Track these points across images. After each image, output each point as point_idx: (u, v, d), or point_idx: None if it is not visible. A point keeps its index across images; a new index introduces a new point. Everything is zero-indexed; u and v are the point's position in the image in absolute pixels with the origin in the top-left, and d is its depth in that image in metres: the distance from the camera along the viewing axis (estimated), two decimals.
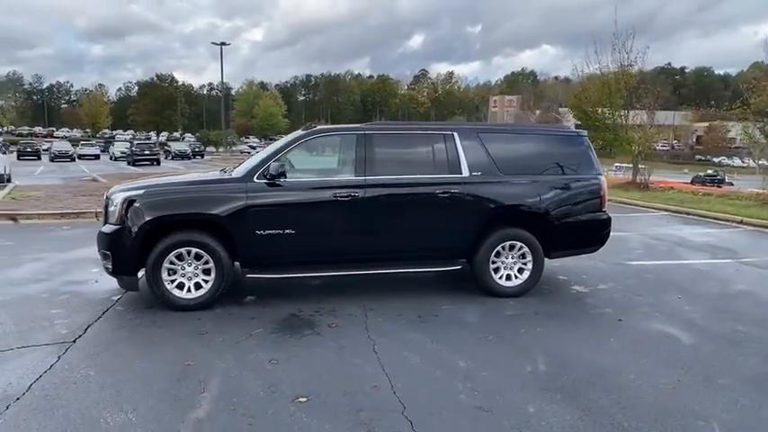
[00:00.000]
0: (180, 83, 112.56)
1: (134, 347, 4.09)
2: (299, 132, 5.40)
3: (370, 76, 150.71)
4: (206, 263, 4.87)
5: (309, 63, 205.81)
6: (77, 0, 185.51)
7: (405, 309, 5.02)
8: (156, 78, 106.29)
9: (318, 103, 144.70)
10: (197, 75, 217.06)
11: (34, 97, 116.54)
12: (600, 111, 17.98)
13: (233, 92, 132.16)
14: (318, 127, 5.39)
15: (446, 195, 5.23)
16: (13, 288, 5.55)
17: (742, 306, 5.41)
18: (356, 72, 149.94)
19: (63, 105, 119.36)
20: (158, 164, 33.19)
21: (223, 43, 39.61)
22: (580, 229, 5.74)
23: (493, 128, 6.03)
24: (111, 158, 40.28)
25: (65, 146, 40.46)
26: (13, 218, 9.85)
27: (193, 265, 4.88)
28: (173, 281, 4.85)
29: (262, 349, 4.06)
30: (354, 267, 5.25)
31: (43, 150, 41.34)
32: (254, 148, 72.35)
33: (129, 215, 4.75)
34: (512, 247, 5.49)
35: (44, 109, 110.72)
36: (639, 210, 13.52)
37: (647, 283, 6.17)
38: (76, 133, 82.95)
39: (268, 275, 5.09)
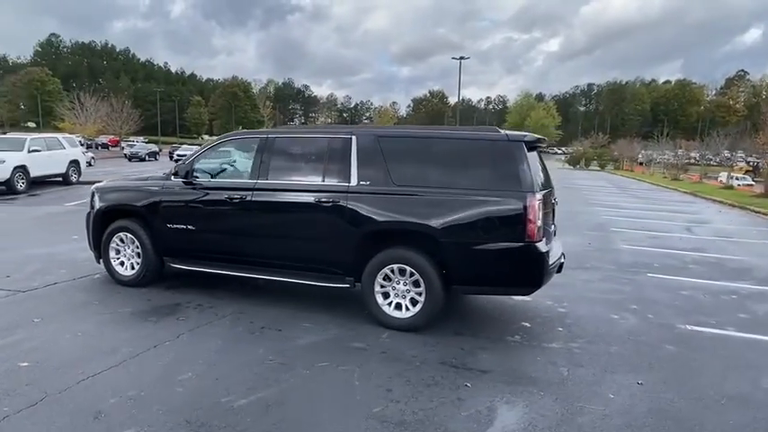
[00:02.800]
0: (447, 98, 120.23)
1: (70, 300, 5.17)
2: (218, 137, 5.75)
3: (667, 82, 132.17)
4: (137, 248, 5.69)
5: (607, 70, 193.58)
6: (395, 30, 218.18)
7: (269, 319, 4.83)
8: (428, 95, 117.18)
9: (600, 113, 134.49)
10: (489, 89, 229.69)
11: (344, 115, 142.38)
12: None
13: (509, 104, 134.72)
14: (235, 131, 5.60)
15: (328, 205, 4.77)
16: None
17: None
18: (648, 79, 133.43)
19: (365, 120, 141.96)
20: None
21: (462, 57, 41.16)
22: (490, 260, 4.40)
23: (396, 132, 5.01)
24: None
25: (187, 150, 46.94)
26: None
27: (130, 248, 5.76)
28: (119, 260, 5.83)
29: (106, 323, 4.62)
30: (251, 270, 5.26)
31: None
32: None
33: (93, 204, 5.94)
34: (402, 272, 4.62)
35: (348, 124, 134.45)
36: None
37: None
38: None
39: (183, 267, 5.58)
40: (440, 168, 4.59)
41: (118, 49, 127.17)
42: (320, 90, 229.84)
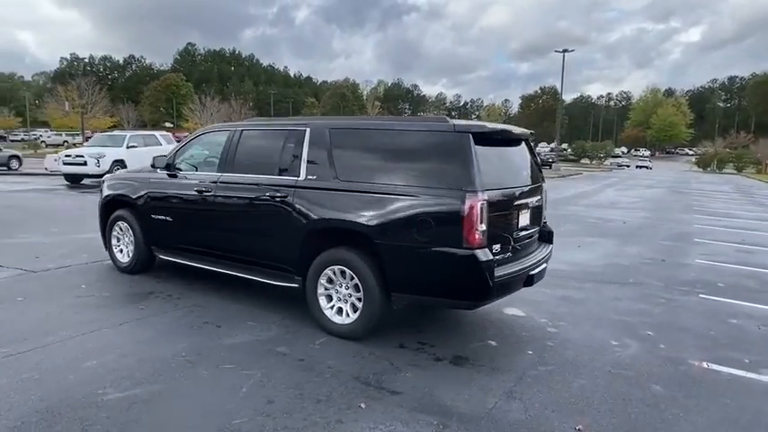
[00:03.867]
0: (557, 94, 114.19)
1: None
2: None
3: None
4: (131, 237, 5.93)
5: (757, 62, 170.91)
6: (515, 26, 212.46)
7: (219, 314, 4.74)
8: (539, 91, 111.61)
9: (743, 109, 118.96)
10: (615, 84, 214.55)
11: (453, 113, 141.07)
12: None
13: (632, 100, 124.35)
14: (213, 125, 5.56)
15: (277, 200, 4.54)
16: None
17: None
18: None
19: (473, 118, 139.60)
20: None
21: (565, 50, 38.38)
22: (426, 266, 3.85)
23: (346, 124, 4.53)
24: None
25: None
26: None
27: (127, 237, 6.02)
28: (118, 247, 6.14)
29: (74, 306, 4.85)
30: (216, 264, 5.18)
31: None
32: (618, 159, 67.16)
33: (101, 194, 6.31)
34: (343, 274, 4.25)
35: None
36: None
37: None
38: None
39: (165, 258, 5.71)
40: (382, 163, 4.15)
41: (244, 56, 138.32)
42: (434, 89, 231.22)
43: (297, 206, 4.42)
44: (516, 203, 4.18)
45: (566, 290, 6.05)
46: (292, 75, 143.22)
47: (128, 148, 17.05)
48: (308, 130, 4.58)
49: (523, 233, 4.34)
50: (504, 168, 4.23)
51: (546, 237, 4.98)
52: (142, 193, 5.72)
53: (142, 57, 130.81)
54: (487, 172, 3.87)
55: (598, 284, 6.42)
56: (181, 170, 5.54)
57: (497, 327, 4.77)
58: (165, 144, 19.18)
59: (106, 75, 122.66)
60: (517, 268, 4.06)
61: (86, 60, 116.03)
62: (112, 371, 3.55)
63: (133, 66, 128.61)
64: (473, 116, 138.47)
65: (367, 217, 4.02)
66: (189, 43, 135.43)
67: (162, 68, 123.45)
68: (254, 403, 3.21)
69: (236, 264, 4.99)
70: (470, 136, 3.81)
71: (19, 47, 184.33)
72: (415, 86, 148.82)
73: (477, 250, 3.68)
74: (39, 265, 6.27)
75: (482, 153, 3.85)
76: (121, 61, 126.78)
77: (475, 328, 4.73)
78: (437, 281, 3.88)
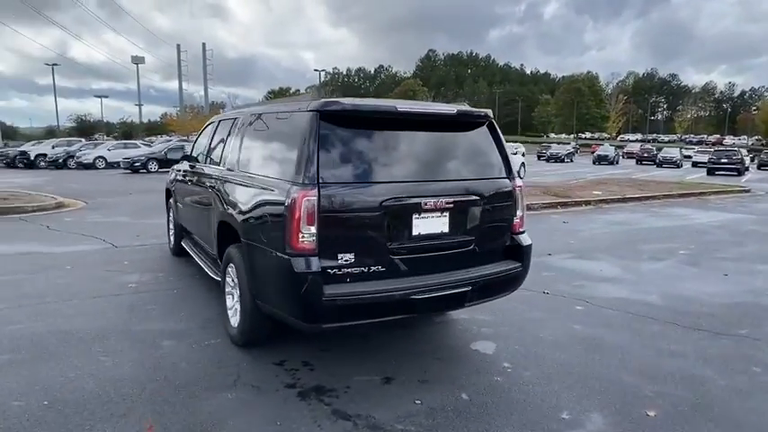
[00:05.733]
0: None
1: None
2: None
3: None
4: (171, 224, 6.56)
5: None
6: None
7: (172, 305, 4.84)
8: None
9: None
10: None
11: (724, 105, 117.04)
12: None
13: None
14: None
15: (210, 193, 4.40)
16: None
17: None
18: None
19: (754, 111, 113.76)
20: (739, 174, 28.28)
21: None
22: (262, 271, 3.16)
23: (246, 109, 3.79)
24: (692, 165, 37.18)
25: (672, 152, 40.68)
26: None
27: (171, 223, 6.65)
28: (171, 232, 6.81)
29: (98, 279, 5.61)
30: (195, 252, 5.33)
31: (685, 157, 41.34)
32: None
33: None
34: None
35: (726, 117, 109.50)
36: None
37: None
38: (743, 140, 78.29)
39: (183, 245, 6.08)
40: (258, 150, 3.62)
41: (480, 57, 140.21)
42: (706, 78, 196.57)
43: (215, 196, 4.21)
44: (407, 204, 3.15)
45: (605, 330, 4.35)
46: (528, 72, 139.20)
47: None
48: (238, 118, 4.31)
49: (424, 243, 3.25)
50: (394, 158, 3.22)
51: (512, 252, 3.66)
52: (171, 181, 6.25)
53: (389, 66, 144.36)
54: (348, 161, 3.02)
55: (689, 331, 4.44)
56: (198, 161, 5.82)
57: (449, 362, 3.70)
58: None
59: (359, 85, 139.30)
60: (383, 288, 3.05)
61: (344, 73, 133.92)
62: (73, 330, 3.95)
63: (382, 75, 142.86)
64: (754, 108, 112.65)
65: (236, 211, 3.59)
66: (430, 50, 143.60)
67: (405, 75, 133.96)
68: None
69: (201, 253, 5.06)
70: (317, 116, 3.01)
71: (302, 65, 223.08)
72: (674, 76, 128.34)
73: (299, 258, 2.89)
74: (127, 242, 7.42)
75: (340, 137, 3.03)
76: (372, 72, 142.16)
77: (419, 359, 3.76)
78: (273, 291, 3.20)
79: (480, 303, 3.59)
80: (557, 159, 42.47)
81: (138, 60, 67.27)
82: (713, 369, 3.66)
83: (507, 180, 3.64)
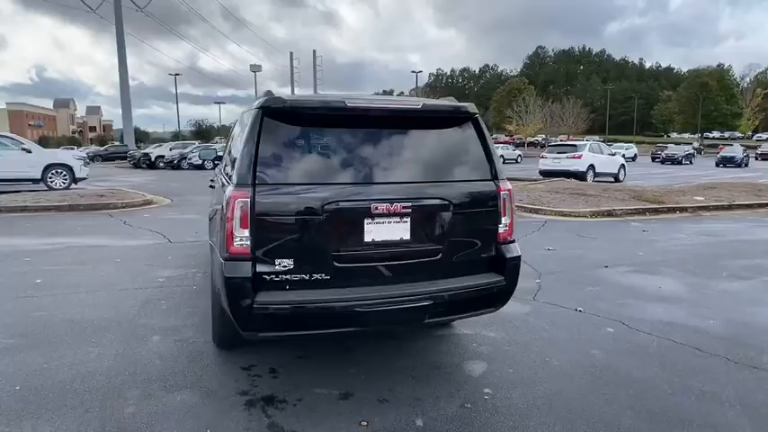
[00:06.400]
0: None
1: None
2: None
3: None
4: None
5: None
6: None
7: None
8: None
9: None
10: None
11: None
12: None
13: None
14: None
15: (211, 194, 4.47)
16: None
17: None
18: None
19: None
20: None
21: None
22: (214, 274, 3.12)
23: (245, 109, 3.59)
24: None
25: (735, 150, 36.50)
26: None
27: None
28: None
29: (136, 273, 6.00)
30: None
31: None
32: None
33: None
34: None
35: None
36: None
37: None
38: None
39: None
40: (228, 151, 3.58)
41: (594, 52, 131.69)
42: None
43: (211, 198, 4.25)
44: (354, 208, 2.89)
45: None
46: (648, 67, 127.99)
47: None
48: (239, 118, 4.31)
49: (380, 251, 2.96)
50: (345, 158, 2.96)
51: (495, 263, 3.23)
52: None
53: (495, 65, 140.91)
54: (292, 161, 2.86)
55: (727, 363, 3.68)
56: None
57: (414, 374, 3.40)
58: None
59: (463, 85, 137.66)
60: (323, 298, 2.81)
61: (447, 74, 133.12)
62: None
63: (487, 74, 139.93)
64: None
65: (208, 212, 3.56)
66: (539, 46, 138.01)
67: (511, 74, 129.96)
68: None
69: None
70: (260, 113, 2.87)
71: (408, 67, 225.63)
72: None
73: (232, 262, 2.77)
74: (183, 238, 7.87)
75: (285, 135, 2.87)
76: (477, 71, 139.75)
77: (393, 375, 3.50)
78: (221, 295, 3.10)
79: (450, 320, 3.22)
80: (673, 161, 38.62)
81: (255, 68, 72.29)
82: (749, 419, 2.95)
83: (491, 183, 3.22)
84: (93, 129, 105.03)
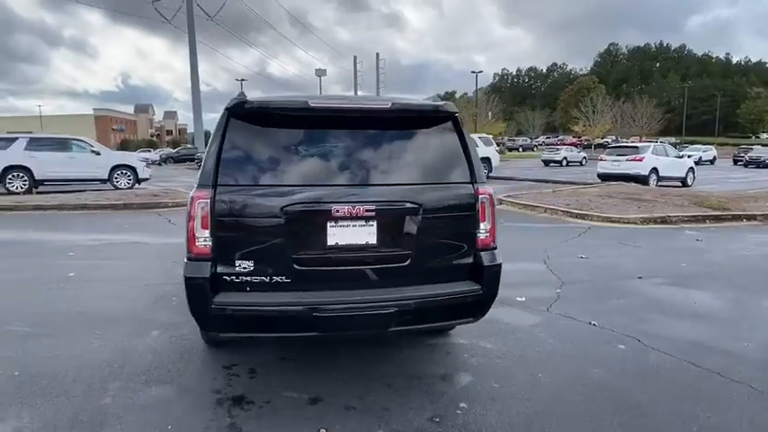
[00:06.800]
0: None
1: None
2: None
3: None
4: None
5: None
6: None
7: None
8: None
9: None
10: None
11: None
12: None
13: None
14: None
15: None
16: None
17: None
18: None
19: None
20: None
21: None
22: None
23: None
24: None
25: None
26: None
27: None
28: None
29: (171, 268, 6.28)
30: None
31: None
32: None
33: None
34: None
35: None
36: None
37: None
38: None
39: None
40: None
41: (672, 48, 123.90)
42: None
43: None
44: (314, 210, 2.84)
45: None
46: (735, 62, 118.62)
47: None
48: None
49: (344, 255, 2.88)
50: (307, 160, 2.91)
51: (475, 271, 3.07)
52: None
53: (564, 64, 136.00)
54: (255, 162, 2.86)
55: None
56: None
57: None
58: (482, 146, 20.02)
59: (530, 84, 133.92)
60: (281, 300, 2.78)
61: (513, 73, 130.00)
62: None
63: (554, 73, 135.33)
64: None
65: None
66: (611, 44, 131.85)
67: (581, 72, 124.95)
68: None
69: None
70: (226, 114, 2.89)
71: (473, 67, 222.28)
72: None
73: (192, 262, 2.80)
74: None
75: (250, 136, 2.87)
76: (544, 70, 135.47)
77: (370, 382, 3.43)
78: None
79: (422, 329, 3.09)
80: (758, 164, 35.39)
81: (320, 73, 73.97)
82: None
83: (468, 186, 3.06)
84: (169, 132, 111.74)
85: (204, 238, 2.79)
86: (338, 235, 2.86)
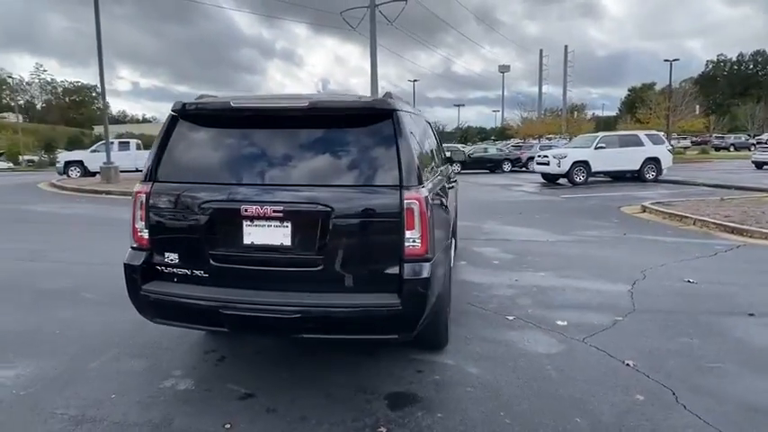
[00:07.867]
0: None
1: None
2: None
3: None
4: None
5: None
6: None
7: None
8: None
9: None
10: None
11: None
12: None
13: None
14: None
15: None
16: None
17: None
18: None
19: None
20: None
21: None
22: None
23: None
24: None
25: None
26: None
27: None
28: None
29: None
30: None
31: None
32: None
33: None
34: None
35: None
36: None
37: None
38: None
39: None
40: None
41: None
42: None
43: None
44: (228, 209, 2.85)
45: None
46: None
47: (595, 149, 16.90)
48: None
49: (260, 255, 2.84)
50: (231, 159, 2.93)
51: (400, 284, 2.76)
52: None
53: None
54: (188, 160, 3.02)
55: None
56: None
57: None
58: (648, 145, 17.49)
59: (756, 71, 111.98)
60: (193, 294, 2.84)
61: (734, 59, 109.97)
62: None
63: None
64: None
65: None
66: None
67: None
68: None
69: None
70: (169, 114, 3.07)
71: (684, 55, 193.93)
72: None
73: (131, 251, 3.06)
74: None
75: (189, 136, 3.05)
76: None
77: (339, 391, 3.36)
78: None
79: (334, 339, 2.88)
80: None
81: (504, 69, 72.53)
82: None
83: (394, 190, 2.74)
84: None
85: (140, 230, 3.02)
86: (254, 234, 2.84)
